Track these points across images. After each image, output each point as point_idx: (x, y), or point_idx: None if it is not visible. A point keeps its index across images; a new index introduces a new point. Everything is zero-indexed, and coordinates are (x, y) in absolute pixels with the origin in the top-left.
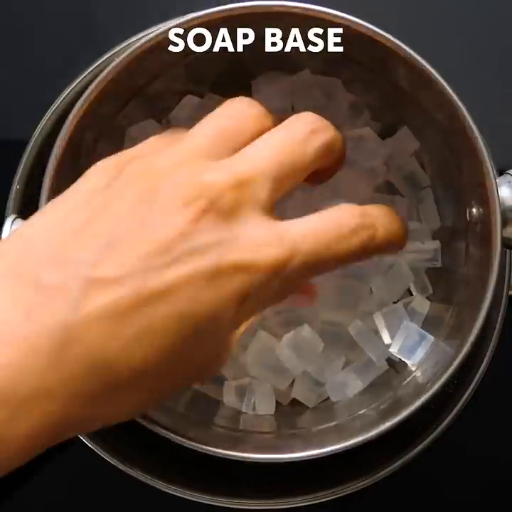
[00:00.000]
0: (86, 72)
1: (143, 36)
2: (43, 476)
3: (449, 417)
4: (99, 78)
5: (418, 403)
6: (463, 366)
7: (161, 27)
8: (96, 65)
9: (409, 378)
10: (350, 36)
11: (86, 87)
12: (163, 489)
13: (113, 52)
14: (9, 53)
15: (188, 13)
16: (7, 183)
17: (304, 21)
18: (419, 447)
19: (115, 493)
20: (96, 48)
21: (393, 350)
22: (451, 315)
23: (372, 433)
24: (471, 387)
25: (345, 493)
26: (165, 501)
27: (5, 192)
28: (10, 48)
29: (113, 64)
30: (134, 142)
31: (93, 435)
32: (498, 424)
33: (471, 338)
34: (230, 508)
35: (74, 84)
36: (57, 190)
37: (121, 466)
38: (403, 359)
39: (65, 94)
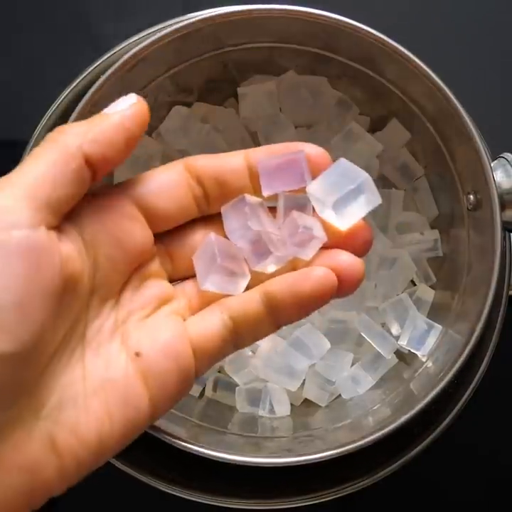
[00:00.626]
0: (86, 72)
1: (143, 36)
2: None
3: (449, 417)
4: (103, 77)
5: (433, 394)
6: (463, 366)
7: (161, 27)
8: (96, 65)
9: (421, 369)
10: (337, 34)
11: (86, 87)
12: (164, 489)
13: (113, 52)
14: (9, 53)
15: (188, 13)
16: None
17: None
18: (419, 447)
19: (115, 493)
20: (96, 48)
21: (402, 342)
22: (457, 302)
23: (388, 429)
24: (471, 387)
25: (345, 493)
26: (165, 501)
27: None
28: (10, 48)
29: (118, 63)
30: None
31: None
32: (497, 424)
33: (481, 324)
34: (229, 508)
35: (74, 84)
36: None
37: (121, 466)
38: (413, 351)
39: (65, 94)
